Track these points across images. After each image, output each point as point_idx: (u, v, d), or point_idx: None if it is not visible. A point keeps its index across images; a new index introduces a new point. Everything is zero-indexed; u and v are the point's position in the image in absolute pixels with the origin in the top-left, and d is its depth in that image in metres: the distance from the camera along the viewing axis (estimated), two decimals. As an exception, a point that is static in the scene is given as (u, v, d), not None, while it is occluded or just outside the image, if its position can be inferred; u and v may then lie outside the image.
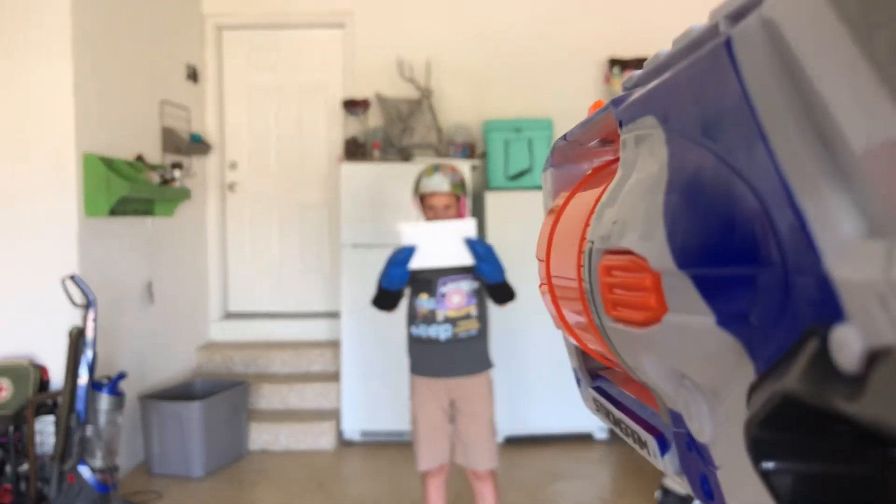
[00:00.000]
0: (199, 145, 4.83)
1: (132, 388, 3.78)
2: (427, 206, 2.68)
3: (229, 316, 5.28)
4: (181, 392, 4.15)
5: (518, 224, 4.42)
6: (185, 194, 4.39)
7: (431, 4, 5.08)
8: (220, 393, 4.10)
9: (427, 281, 2.64)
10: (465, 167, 4.39)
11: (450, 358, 2.68)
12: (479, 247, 2.57)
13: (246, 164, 5.30)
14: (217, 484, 3.83)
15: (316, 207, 5.27)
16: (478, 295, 2.70)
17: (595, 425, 4.50)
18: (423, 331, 2.67)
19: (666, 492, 3.34)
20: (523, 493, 3.68)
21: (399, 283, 2.62)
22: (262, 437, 4.35)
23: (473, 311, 2.68)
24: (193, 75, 4.94)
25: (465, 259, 2.55)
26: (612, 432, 4.54)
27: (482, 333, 2.74)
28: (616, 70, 4.68)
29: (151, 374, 4.20)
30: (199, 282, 5.04)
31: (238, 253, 5.32)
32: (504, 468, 4.05)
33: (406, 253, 2.54)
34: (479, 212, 4.51)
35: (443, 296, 2.64)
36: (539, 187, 4.49)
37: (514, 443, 4.41)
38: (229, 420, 4.09)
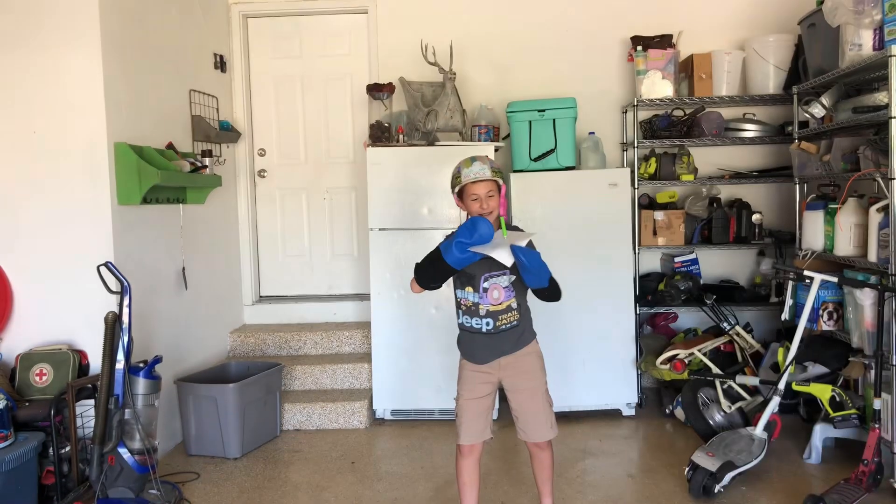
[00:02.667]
0: (228, 133, 4.90)
1: (168, 371, 3.90)
2: (470, 195, 2.72)
3: (262, 300, 5.38)
4: (216, 375, 4.26)
5: (543, 205, 4.44)
6: (215, 181, 4.48)
7: (453, -13, 5.08)
8: (254, 375, 4.19)
9: (471, 276, 2.73)
10: (489, 149, 4.41)
11: (492, 348, 2.79)
12: (523, 255, 2.58)
13: (274, 151, 5.37)
14: (252, 463, 3.93)
15: (344, 192, 5.33)
16: (516, 286, 2.76)
17: (623, 401, 4.52)
18: (466, 321, 2.81)
19: (696, 467, 3.36)
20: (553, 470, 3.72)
21: (462, 265, 2.62)
22: (295, 417, 4.45)
23: (513, 303, 2.77)
24: (221, 64, 5.01)
25: (508, 260, 2.58)
26: (639, 408, 4.56)
27: (522, 321, 2.82)
28: (639, 49, 4.63)
29: (187, 358, 4.31)
30: (231, 267, 5.14)
31: (269, 238, 5.42)
32: (532, 446, 4.09)
33: (485, 238, 2.53)
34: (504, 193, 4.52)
35: (485, 290, 2.73)
36: (564, 168, 4.51)
37: (543, 421, 4.45)
38: (263, 401, 4.19)
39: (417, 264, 2.74)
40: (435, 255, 2.65)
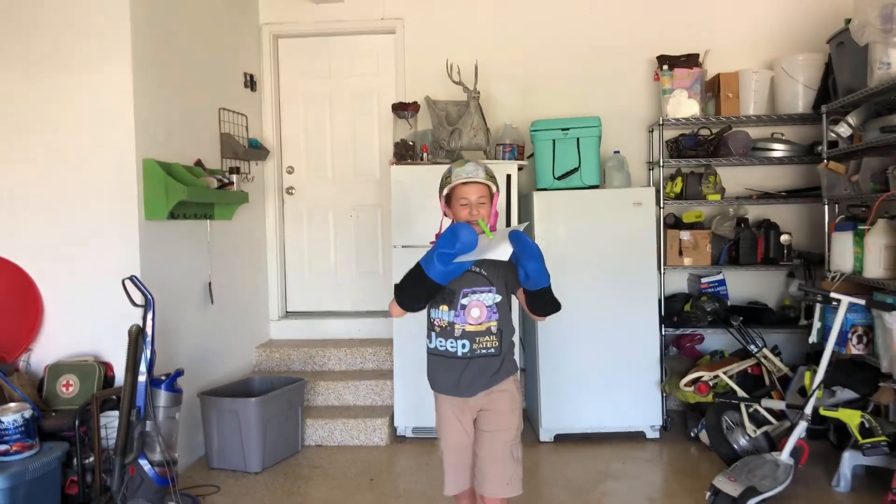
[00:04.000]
0: (256, 151, 4.99)
1: (193, 384, 3.95)
2: (460, 199, 2.45)
3: (288, 315, 5.43)
4: (240, 389, 4.30)
5: (566, 224, 4.42)
6: (242, 198, 4.55)
7: (479, 8, 5.12)
8: (277, 390, 4.23)
9: (450, 292, 2.43)
10: (512, 168, 4.42)
11: (467, 375, 2.46)
12: (520, 243, 2.26)
13: (302, 169, 5.44)
14: (273, 478, 3.95)
15: (370, 209, 5.38)
16: (500, 309, 2.46)
17: (647, 424, 4.46)
18: (440, 344, 2.48)
19: (717, 492, 3.29)
20: (572, 493, 3.69)
21: (448, 278, 2.32)
22: (317, 432, 4.47)
23: (494, 326, 2.45)
24: (251, 83, 5.10)
25: (505, 253, 2.27)
26: (664, 430, 4.49)
27: (503, 350, 2.49)
28: (665, 68, 4.62)
29: (212, 372, 4.37)
30: (258, 282, 5.20)
31: (296, 254, 5.48)
32: (553, 467, 4.06)
33: (468, 245, 2.24)
34: (527, 212, 4.53)
35: (463, 307, 2.43)
36: (588, 186, 4.50)
37: (564, 441, 4.41)
38: (286, 416, 4.22)
39: (397, 284, 2.43)
40: (416, 271, 2.35)
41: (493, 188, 2.50)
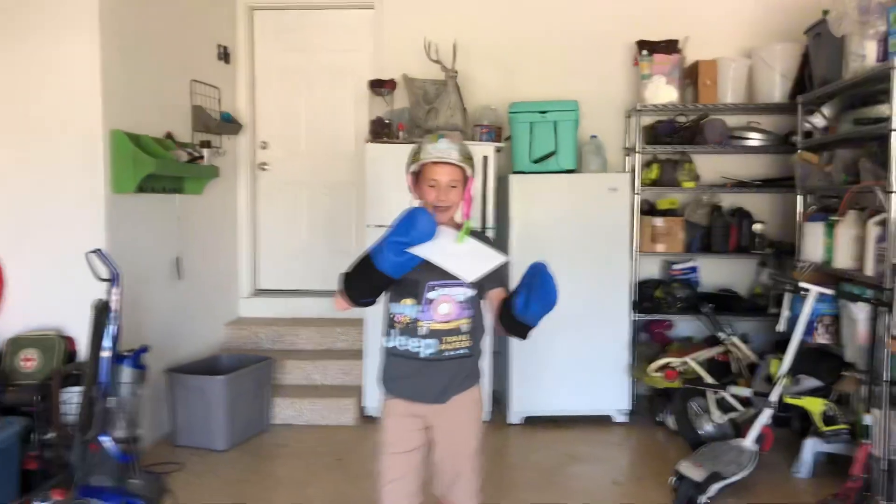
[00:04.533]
0: (229, 125, 4.90)
1: (159, 361, 3.90)
2: (428, 179, 2.18)
3: (258, 293, 5.37)
4: (207, 366, 4.25)
5: (542, 207, 4.41)
6: (213, 172, 4.47)
7: (460, -15, 5.06)
8: (245, 368, 4.19)
9: (413, 283, 2.12)
10: (489, 150, 4.39)
11: (431, 379, 2.18)
12: (547, 285, 1.96)
13: (276, 144, 5.36)
14: (239, 456, 3.92)
15: (344, 187, 5.32)
16: (473, 305, 2.20)
17: (614, 408, 4.48)
18: (401, 343, 2.18)
19: (681, 477, 3.32)
20: (539, 475, 3.70)
21: (400, 271, 2.00)
22: (285, 411, 4.44)
23: (465, 324, 2.18)
24: (225, 55, 5.00)
25: (472, 273, 2.01)
26: (631, 415, 4.52)
27: (473, 352, 2.24)
28: (644, 53, 4.59)
29: (180, 348, 4.31)
30: (228, 259, 5.13)
31: (268, 231, 5.41)
32: (521, 449, 4.08)
33: (424, 235, 1.94)
34: (503, 194, 4.51)
35: (429, 302, 2.14)
36: (565, 170, 4.47)
37: (532, 423, 4.43)
38: (253, 394, 4.18)
39: (343, 274, 2.10)
40: (364, 260, 2.03)
41: (468, 171, 2.20)
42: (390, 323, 2.21)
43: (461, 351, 2.19)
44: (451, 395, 2.21)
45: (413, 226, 1.93)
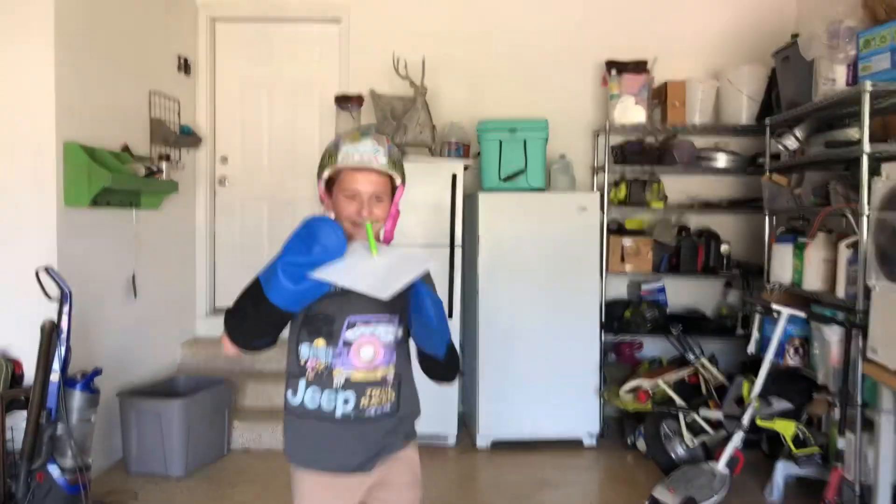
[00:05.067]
0: (189, 138, 4.74)
1: (113, 384, 3.71)
2: (344, 190, 1.70)
3: (216, 311, 5.19)
4: (163, 389, 4.07)
5: (510, 226, 4.34)
6: (171, 187, 4.31)
7: (428, 1, 5.00)
8: (203, 390, 4.01)
9: (327, 319, 1.68)
10: (458, 167, 4.31)
11: (350, 445, 1.71)
12: (427, 297, 1.60)
13: (237, 159, 5.22)
14: (196, 483, 3.74)
15: (307, 203, 5.18)
16: (400, 348, 1.76)
17: (584, 431, 4.41)
18: (310, 398, 1.70)
19: (655, 502, 3.26)
20: (509, 501, 3.60)
21: (299, 304, 1.56)
22: (244, 435, 4.26)
23: (391, 373, 1.73)
24: (185, 67, 4.85)
25: (388, 288, 1.52)
26: (601, 438, 4.45)
27: (404, 411, 1.78)
28: (613, 73, 4.58)
29: (133, 370, 4.11)
30: (185, 276, 4.95)
31: (227, 247, 5.24)
32: (490, 474, 3.97)
33: (332, 251, 1.50)
34: (472, 213, 4.43)
35: (347, 345, 1.68)
36: (533, 189, 4.42)
37: (501, 448, 4.33)
38: (211, 418, 4.01)
39: (228, 310, 1.64)
40: (254, 289, 1.57)
41: (398, 180, 1.74)
42: (295, 370, 1.72)
43: (386, 408, 1.73)
44: (377, 461, 1.74)
45: (315, 240, 1.48)
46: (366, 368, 1.70)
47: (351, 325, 1.68)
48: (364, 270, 1.53)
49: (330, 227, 1.50)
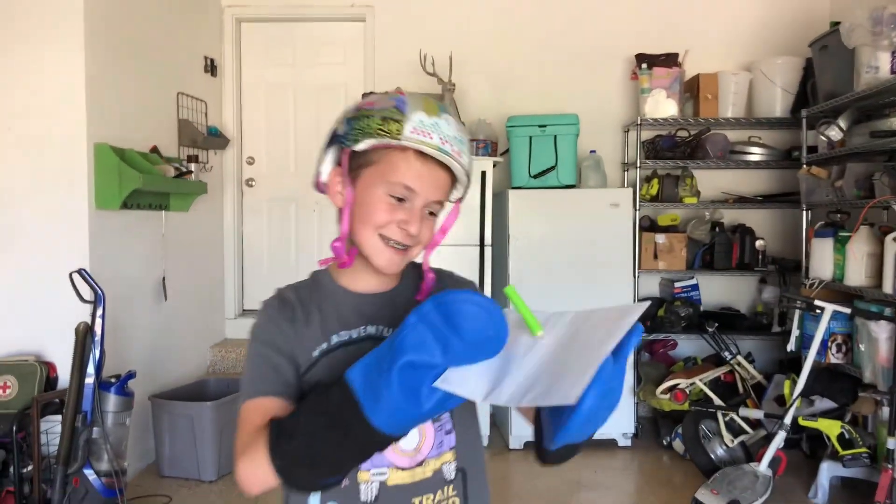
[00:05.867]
0: (216, 139, 4.72)
1: (143, 387, 3.69)
2: (390, 185, 1.08)
3: (245, 313, 5.18)
4: (194, 391, 4.04)
5: (541, 224, 4.28)
6: (201, 188, 4.29)
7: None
8: (234, 392, 3.98)
9: None
10: (487, 164, 4.25)
11: None
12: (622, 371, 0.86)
13: (264, 160, 5.20)
14: (229, 487, 3.71)
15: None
16: (462, 421, 1.17)
17: (619, 431, 4.34)
18: None
19: (697, 505, 3.18)
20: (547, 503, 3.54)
21: (417, 423, 0.90)
22: (275, 438, 4.23)
23: (450, 464, 1.14)
24: (211, 68, 4.84)
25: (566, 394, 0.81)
26: (635, 438, 4.37)
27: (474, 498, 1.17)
28: (644, 66, 4.50)
29: (164, 373, 4.09)
30: (214, 278, 4.94)
31: (254, 249, 5.23)
32: (525, 476, 3.91)
33: (497, 342, 0.86)
34: (501, 211, 4.37)
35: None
36: (564, 186, 4.35)
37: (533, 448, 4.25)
38: (242, 421, 3.98)
39: (276, 433, 0.95)
40: (337, 406, 0.89)
41: (464, 191, 1.16)
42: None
43: None
44: None
45: (461, 329, 0.83)
46: (410, 464, 1.09)
47: None
48: (527, 365, 0.88)
49: (482, 305, 0.85)
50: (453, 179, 1.13)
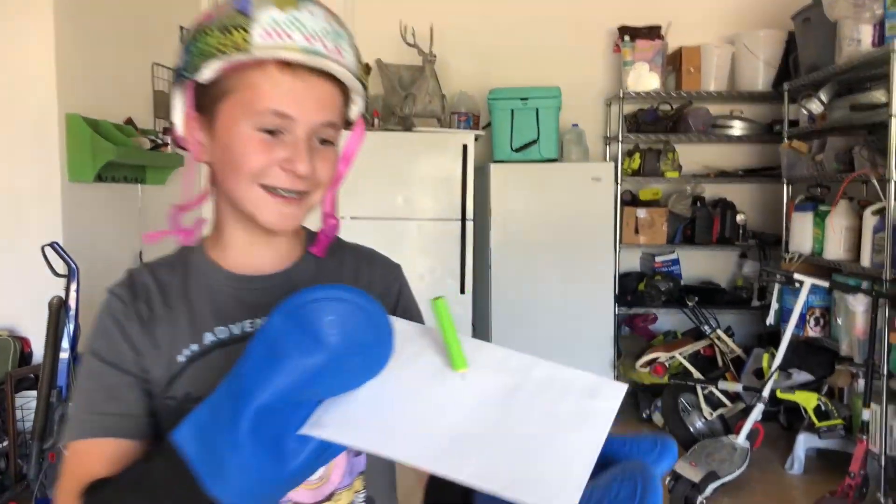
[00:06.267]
0: (192, 111, 4.64)
1: (120, 362, 3.65)
2: (255, 115, 0.82)
3: (224, 288, 5.14)
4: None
5: (523, 198, 4.26)
6: (177, 161, 4.21)
7: (435, -33, 4.87)
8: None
9: None
10: (469, 137, 4.21)
11: None
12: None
13: (242, 132, 5.13)
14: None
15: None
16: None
17: (599, 406, 4.36)
18: None
19: (678, 477, 3.21)
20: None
21: (278, 494, 0.68)
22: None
23: (359, 492, 0.91)
24: (187, 38, 4.74)
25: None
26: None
27: None
28: (626, 39, 4.46)
29: (142, 348, 4.06)
30: (192, 253, 4.88)
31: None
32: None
33: (382, 357, 0.68)
34: (483, 185, 4.34)
35: None
36: (546, 160, 4.33)
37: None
38: (222, 396, 3.96)
39: None
40: (167, 484, 0.67)
41: (358, 103, 0.91)
42: None
43: None
44: None
45: (320, 334, 0.64)
46: (315, 498, 0.87)
47: None
48: (453, 418, 0.66)
49: (354, 306, 0.65)
50: (344, 91, 0.86)
